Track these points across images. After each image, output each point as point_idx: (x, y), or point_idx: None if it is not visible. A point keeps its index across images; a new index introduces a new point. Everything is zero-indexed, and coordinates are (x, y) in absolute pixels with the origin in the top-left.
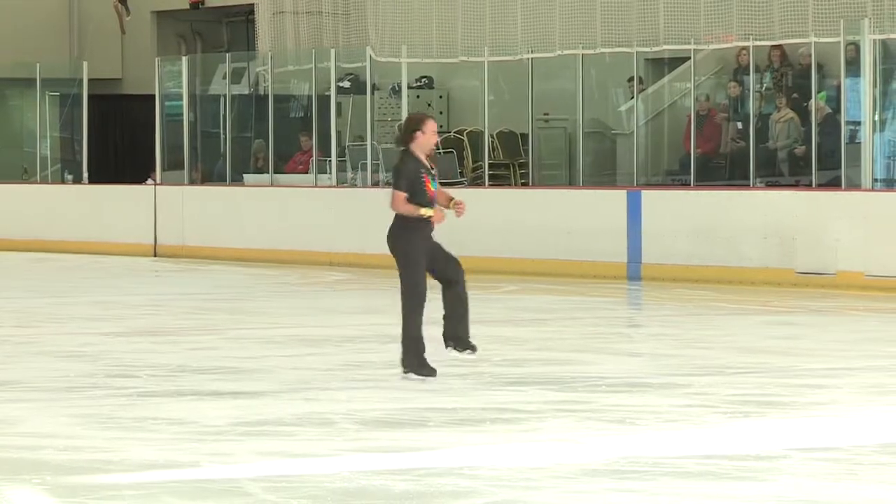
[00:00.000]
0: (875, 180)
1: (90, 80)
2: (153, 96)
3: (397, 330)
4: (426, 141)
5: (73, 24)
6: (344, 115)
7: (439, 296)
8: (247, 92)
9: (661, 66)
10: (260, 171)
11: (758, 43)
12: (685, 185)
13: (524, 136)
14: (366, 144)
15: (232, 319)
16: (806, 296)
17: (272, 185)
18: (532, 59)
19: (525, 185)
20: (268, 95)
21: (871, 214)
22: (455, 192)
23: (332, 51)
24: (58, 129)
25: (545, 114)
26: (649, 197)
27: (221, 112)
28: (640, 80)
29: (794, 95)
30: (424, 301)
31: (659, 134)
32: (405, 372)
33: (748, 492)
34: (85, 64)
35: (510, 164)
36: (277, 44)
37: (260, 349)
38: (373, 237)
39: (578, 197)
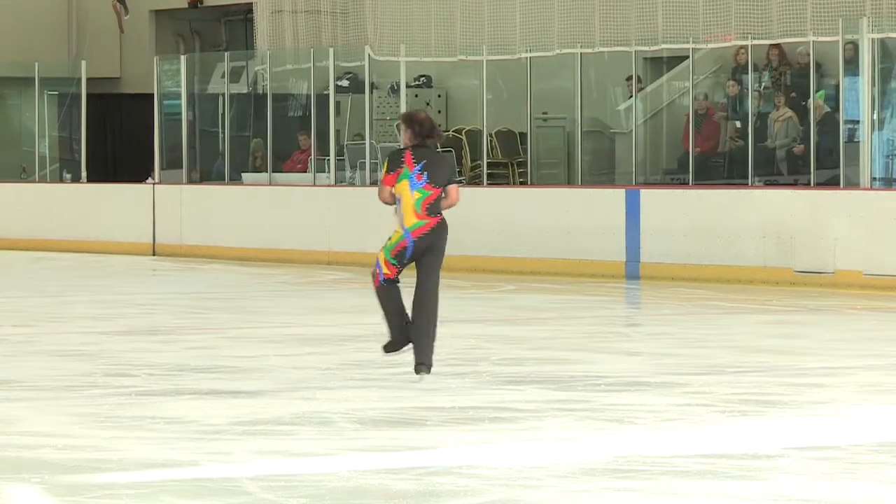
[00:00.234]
0: (874, 179)
1: (89, 79)
2: (152, 95)
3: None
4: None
5: (71, 23)
6: (342, 114)
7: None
8: (245, 91)
9: (660, 65)
10: (258, 170)
11: (756, 42)
12: (684, 184)
13: (523, 136)
14: (364, 143)
15: (231, 318)
16: (804, 295)
17: (271, 184)
18: (530, 58)
19: (524, 184)
20: (266, 94)
21: (870, 213)
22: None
23: (331, 50)
24: (56, 129)
25: (544, 113)
26: (648, 196)
27: (220, 111)
28: (639, 79)
29: (793, 94)
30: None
31: (657, 133)
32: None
33: (746, 491)
34: (83, 63)
35: (509, 163)
36: (276, 43)
37: (258, 348)
38: (372, 236)
39: (577, 196)
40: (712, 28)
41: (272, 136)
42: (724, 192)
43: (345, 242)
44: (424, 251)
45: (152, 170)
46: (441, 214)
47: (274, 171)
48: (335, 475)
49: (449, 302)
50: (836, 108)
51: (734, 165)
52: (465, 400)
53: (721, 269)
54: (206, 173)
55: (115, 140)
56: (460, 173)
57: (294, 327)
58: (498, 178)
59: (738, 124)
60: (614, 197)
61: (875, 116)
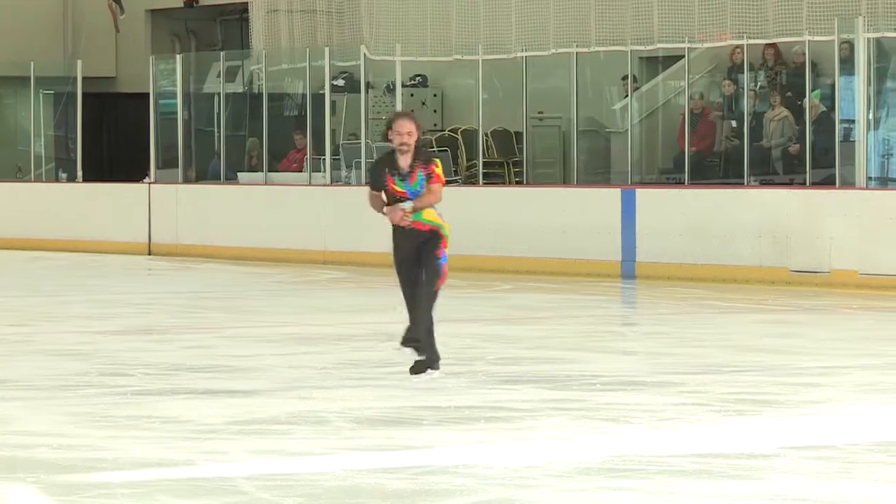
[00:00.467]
0: (869, 179)
1: (84, 79)
2: (147, 95)
3: (395, 328)
4: (393, 139)
5: (67, 22)
6: (338, 113)
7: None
8: (241, 90)
9: (656, 64)
10: (254, 169)
11: (752, 41)
12: (679, 183)
13: (518, 135)
14: (360, 143)
15: (226, 318)
16: (800, 294)
17: (266, 183)
18: (526, 57)
19: (519, 183)
20: (262, 94)
21: (866, 213)
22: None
23: (327, 49)
24: (52, 128)
25: (539, 112)
26: (643, 195)
27: (216, 110)
28: (635, 79)
29: (789, 94)
30: (405, 297)
31: (653, 132)
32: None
33: (742, 490)
34: (79, 62)
35: (504, 162)
36: (271, 42)
37: (254, 347)
38: (367, 235)
39: (573, 195)
40: (708, 27)
41: (268, 136)
42: (719, 192)
43: (340, 242)
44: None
45: (149, 169)
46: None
47: (270, 171)
48: (331, 474)
49: (445, 301)
50: (831, 108)
51: (730, 165)
52: (460, 399)
53: (717, 268)
54: (202, 173)
55: (111, 139)
56: (456, 172)
57: (290, 326)
58: (494, 177)
59: (734, 124)
60: (610, 196)
61: (871, 116)
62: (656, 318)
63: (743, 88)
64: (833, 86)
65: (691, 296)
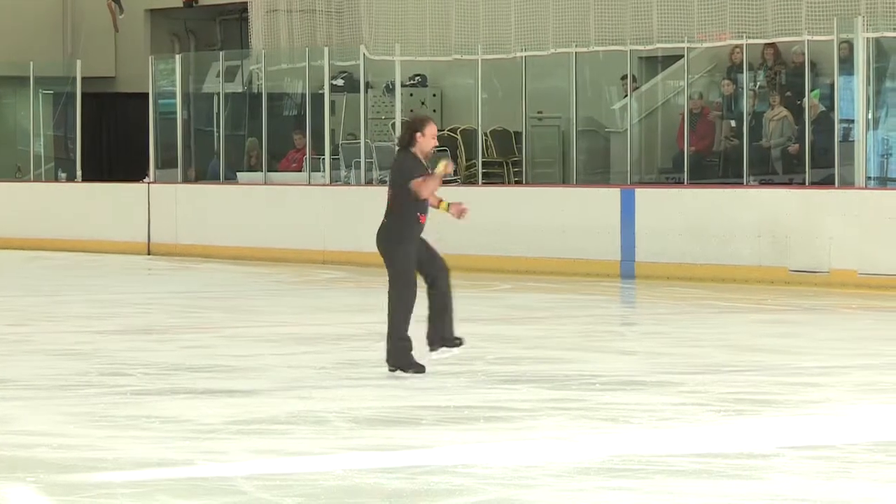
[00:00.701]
0: (868, 178)
1: (84, 79)
2: (147, 94)
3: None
4: (425, 143)
5: (66, 22)
6: (338, 113)
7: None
8: (240, 90)
9: (655, 64)
10: (253, 169)
11: (751, 41)
12: (679, 183)
13: (518, 135)
14: (359, 142)
15: (226, 318)
16: (799, 294)
17: (266, 183)
18: (525, 57)
19: (518, 183)
20: (261, 93)
21: (865, 212)
22: (451, 192)
23: (326, 49)
24: (51, 128)
25: (539, 112)
26: (643, 195)
27: (215, 110)
28: (634, 79)
29: (788, 93)
30: (414, 302)
31: (652, 132)
32: (392, 369)
33: (742, 490)
34: (78, 62)
35: (504, 162)
36: (271, 42)
37: (254, 347)
38: (366, 235)
39: (572, 195)
40: (707, 27)
41: (267, 136)
42: (718, 192)
43: (340, 241)
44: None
45: (148, 169)
46: (386, 218)
47: (269, 171)
48: (330, 474)
49: None
50: (830, 108)
51: (729, 165)
52: (460, 399)
53: (716, 268)
54: (202, 173)
55: (111, 139)
56: (455, 172)
57: (289, 326)
58: (493, 177)
59: (733, 123)
60: (609, 196)
61: (870, 115)
62: (655, 317)
63: (742, 88)
64: (832, 85)
65: (690, 296)
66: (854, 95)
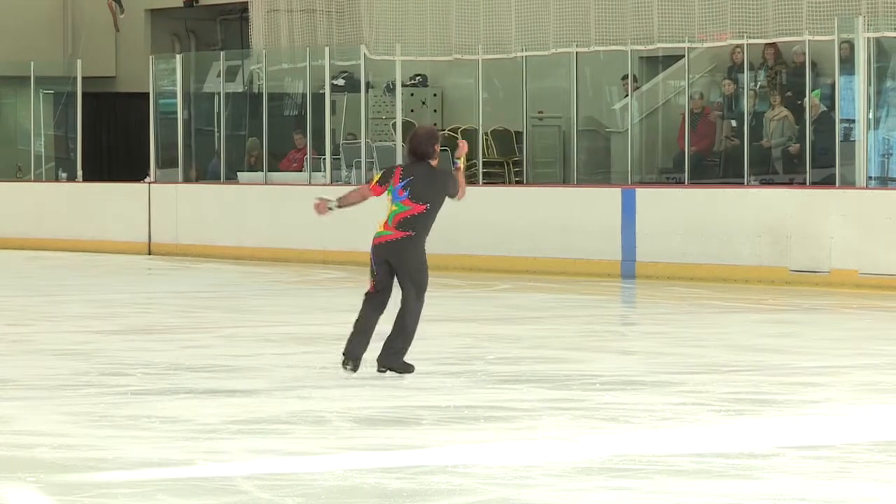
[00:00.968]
0: (869, 178)
1: (84, 78)
2: (147, 94)
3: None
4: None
5: (66, 22)
6: (338, 113)
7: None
8: (241, 90)
9: (656, 63)
10: (254, 169)
11: (752, 41)
12: (679, 183)
13: (518, 134)
14: (360, 142)
15: (226, 317)
16: (800, 294)
17: (266, 183)
18: (526, 56)
19: (519, 183)
20: (262, 93)
21: (865, 212)
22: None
23: (327, 49)
24: (52, 127)
25: (539, 112)
26: (643, 195)
27: (216, 110)
28: (635, 78)
29: (789, 93)
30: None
31: (653, 132)
32: (382, 370)
33: (742, 490)
34: (79, 62)
35: (504, 162)
36: (271, 42)
37: (254, 347)
38: (367, 236)
39: (572, 195)
40: (708, 27)
41: (268, 135)
42: (719, 192)
43: (340, 242)
44: (395, 266)
45: (149, 169)
46: (412, 232)
47: (270, 171)
48: (330, 474)
49: (444, 301)
50: (831, 107)
51: (730, 164)
52: (460, 399)
53: (716, 268)
54: (202, 172)
55: (111, 139)
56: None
57: (289, 326)
58: (494, 177)
59: (734, 123)
60: (610, 196)
61: (871, 115)
62: (656, 317)
63: (743, 88)
64: (833, 85)
65: (691, 295)
66: (855, 95)
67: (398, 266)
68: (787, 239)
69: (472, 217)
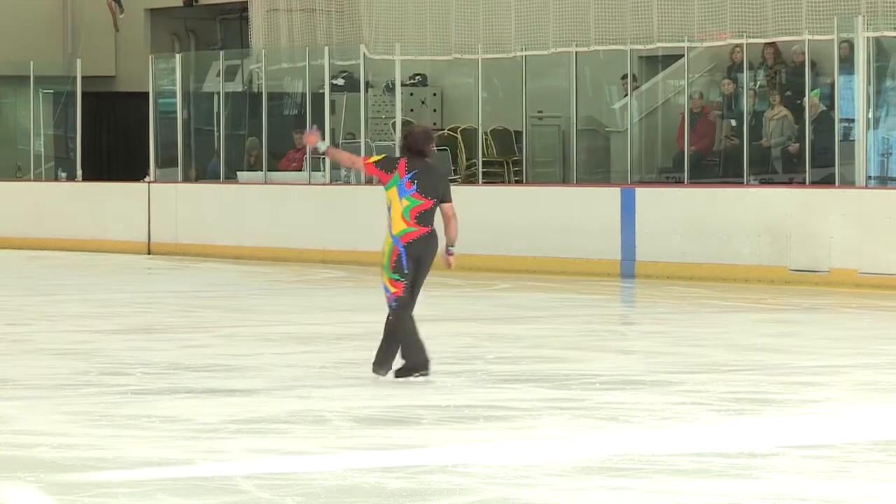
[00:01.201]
0: (869, 178)
1: (84, 78)
2: (147, 94)
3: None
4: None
5: (66, 21)
6: (338, 112)
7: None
8: (240, 89)
9: (655, 63)
10: (254, 168)
11: (751, 40)
12: (679, 182)
13: (518, 134)
14: (359, 141)
15: (225, 317)
16: (799, 293)
17: (266, 182)
18: (526, 56)
19: (519, 182)
20: (261, 93)
21: (865, 212)
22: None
23: (326, 48)
24: (51, 127)
25: (539, 111)
26: (643, 194)
27: (215, 109)
28: (634, 78)
29: (788, 93)
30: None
31: (653, 131)
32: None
33: (741, 489)
34: (79, 61)
35: (504, 161)
36: (271, 41)
37: (253, 347)
38: (366, 235)
39: (572, 194)
40: (707, 26)
41: (267, 135)
42: (719, 191)
43: (339, 241)
44: (420, 262)
45: (148, 168)
46: (431, 227)
47: (269, 170)
48: (330, 473)
49: (444, 300)
50: (831, 107)
51: (729, 164)
52: (460, 398)
53: (716, 267)
54: (202, 172)
55: (111, 138)
56: (455, 172)
57: (289, 326)
58: (493, 176)
59: (734, 123)
60: (609, 195)
61: (870, 115)
62: (655, 317)
63: (742, 87)
64: (832, 85)
65: (690, 295)
66: (854, 95)
67: (423, 262)
68: (786, 238)
69: (471, 216)
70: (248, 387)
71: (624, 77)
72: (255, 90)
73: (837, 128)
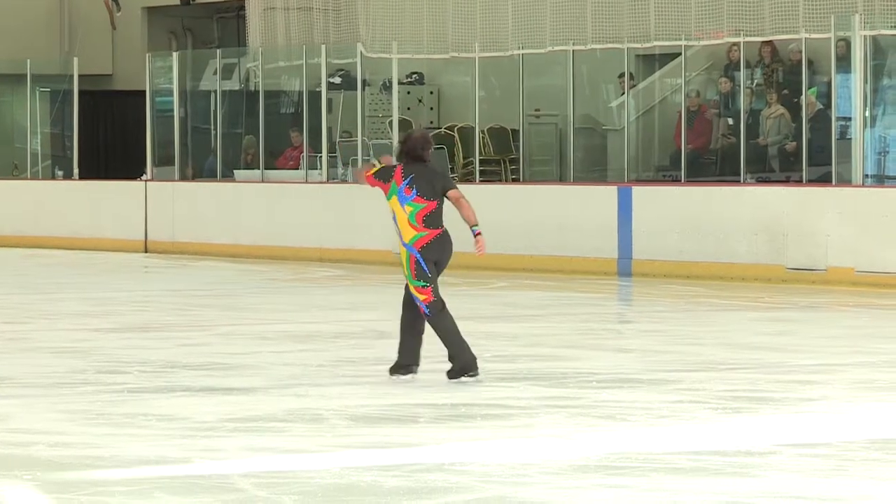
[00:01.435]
0: (865, 176)
1: (81, 76)
2: (144, 92)
3: (391, 326)
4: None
5: (63, 20)
6: (335, 110)
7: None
8: (237, 88)
9: (652, 62)
10: (250, 166)
11: (748, 39)
12: (676, 180)
13: (515, 132)
14: (356, 140)
15: (222, 315)
16: (796, 292)
17: (263, 180)
18: (523, 54)
19: (516, 181)
20: (258, 91)
21: (862, 210)
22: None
23: (323, 47)
24: (48, 125)
25: (536, 110)
26: (640, 193)
27: (212, 108)
28: (631, 76)
29: (785, 91)
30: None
31: (649, 130)
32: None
33: (739, 488)
34: (76, 60)
35: (501, 160)
36: (268, 39)
37: (250, 345)
38: (363, 233)
39: (569, 193)
40: (704, 25)
41: (264, 133)
42: (715, 189)
43: (336, 239)
44: (439, 263)
45: (145, 167)
46: (442, 227)
47: (266, 168)
48: (327, 472)
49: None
50: (828, 105)
51: (726, 162)
52: (457, 397)
53: (713, 265)
54: (199, 170)
55: (108, 137)
56: (452, 170)
57: (286, 324)
58: (490, 174)
59: (731, 121)
60: (606, 194)
61: (867, 113)
62: (652, 315)
63: (739, 86)
64: (829, 83)
65: (687, 293)
66: (851, 93)
67: (441, 265)
68: (783, 237)
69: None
70: (246, 385)
71: (621, 75)
72: (252, 88)
73: (834, 126)
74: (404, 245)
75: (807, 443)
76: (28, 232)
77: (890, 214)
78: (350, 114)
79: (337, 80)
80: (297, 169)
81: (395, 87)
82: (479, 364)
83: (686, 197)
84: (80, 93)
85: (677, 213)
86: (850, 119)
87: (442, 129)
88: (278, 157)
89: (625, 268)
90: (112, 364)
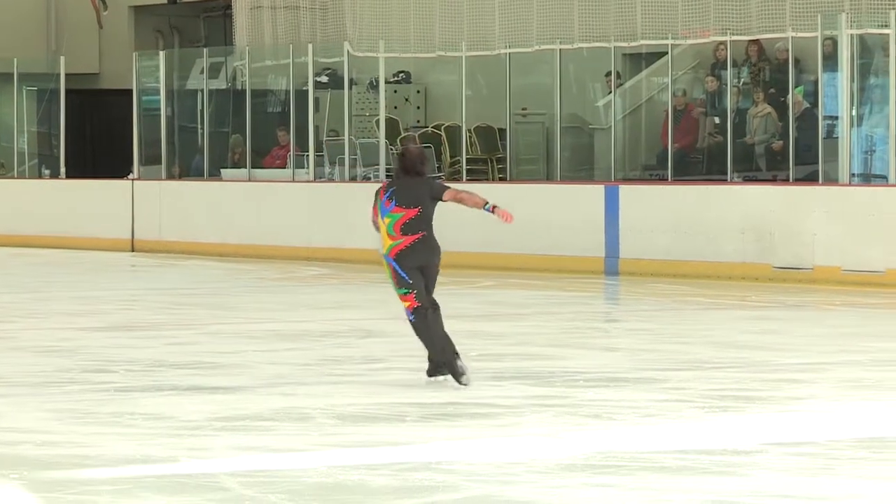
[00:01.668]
0: (852, 175)
1: (67, 75)
2: (131, 91)
3: (378, 325)
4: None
5: (50, 18)
6: (322, 109)
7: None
8: (224, 87)
9: (639, 60)
10: (237, 165)
11: (735, 38)
12: (663, 179)
13: (502, 131)
14: (343, 139)
15: (209, 314)
16: (783, 291)
17: (250, 179)
18: (509, 53)
19: (503, 179)
20: (245, 90)
21: (849, 209)
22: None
23: (310, 46)
24: (35, 124)
25: (523, 109)
26: (627, 192)
27: (199, 107)
28: (618, 75)
29: (772, 90)
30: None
31: (636, 129)
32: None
33: (725, 486)
34: (62, 59)
35: (488, 158)
36: (255, 39)
37: (237, 344)
38: (350, 232)
39: (556, 192)
40: (691, 24)
41: (251, 132)
42: (702, 188)
43: (324, 238)
44: (425, 267)
45: (132, 166)
46: (423, 232)
47: (253, 167)
48: (314, 471)
49: None
50: (814, 104)
51: (713, 161)
52: (443, 396)
53: (700, 264)
54: (186, 169)
55: (94, 136)
56: (439, 169)
57: (273, 323)
58: (477, 173)
59: (717, 120)
60: (593, 193)
61: (854, 112)
62: (639, 314)
63: (726, 85)
64: (816, 82)
65: (674, 292)
66: (838, 92)
67: (428, 265)
68: (770, 236)
69: (454, 214)
70: (233, 384)
71: (608, 74)
72: (239, 87)
73: (821, 125)
74: (383, 256)
75: (793, 441)
76: (15, 231)
77: (877, 213)
78: (337, 113)
79: (324, 78)
80: (284, 168)
81: (382, 85)
82: (465, 362)
83: (673, 196)
84: (67, 92)
85: (664, 212)
86: (836, 118)
87: (429, 128)
88: (265, 156)
89: (612, 267)
90: (99, 363)
